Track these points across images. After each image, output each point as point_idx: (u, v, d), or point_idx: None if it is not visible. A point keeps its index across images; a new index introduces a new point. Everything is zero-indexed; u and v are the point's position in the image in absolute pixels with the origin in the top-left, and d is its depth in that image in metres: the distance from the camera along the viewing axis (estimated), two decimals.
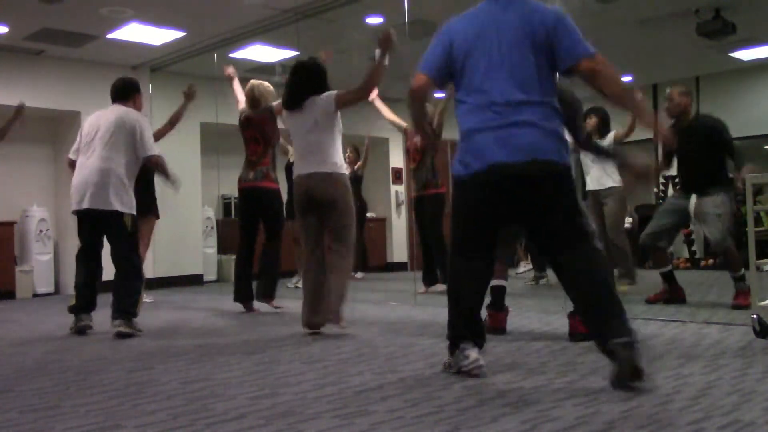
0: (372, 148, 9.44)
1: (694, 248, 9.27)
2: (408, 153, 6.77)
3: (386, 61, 4.13)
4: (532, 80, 2.74)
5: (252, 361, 3.40)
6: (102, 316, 4.56)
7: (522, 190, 2.74)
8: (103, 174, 4.41)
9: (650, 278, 7.63)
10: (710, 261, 8.88)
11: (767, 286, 4.49)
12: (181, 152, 8.72)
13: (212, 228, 9.52)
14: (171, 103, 8.72)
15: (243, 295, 5.56)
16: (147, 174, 5.85)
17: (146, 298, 6.76)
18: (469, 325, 2.91)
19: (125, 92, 4.77)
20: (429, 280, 6.73)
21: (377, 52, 4.11)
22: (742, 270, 4.81)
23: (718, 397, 2.47)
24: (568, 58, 2.73)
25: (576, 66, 2.72)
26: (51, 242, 8.08)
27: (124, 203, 4.47)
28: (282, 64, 8.34)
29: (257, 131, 5.39)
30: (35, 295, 7.83)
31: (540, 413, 2.30)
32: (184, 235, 8.68)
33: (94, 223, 4.51)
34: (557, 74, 2.86)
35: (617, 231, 6.15)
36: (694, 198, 4.99)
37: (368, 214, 9.91)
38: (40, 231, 7.96)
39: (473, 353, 2.84)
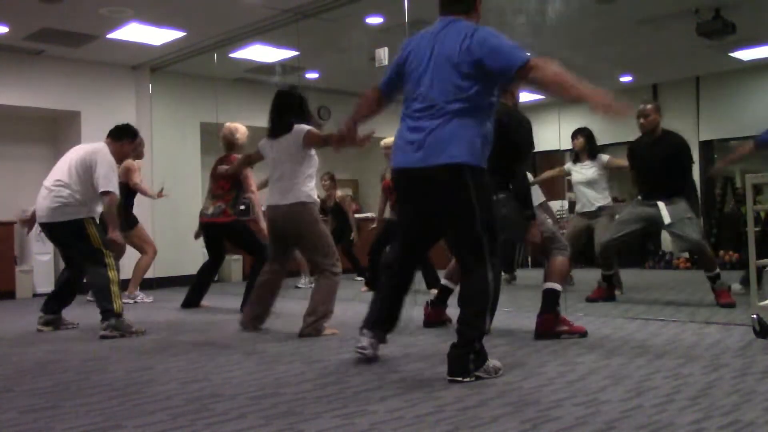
0: (372, 148, 9.43)
1: None
2: (385, 190, 6.95)
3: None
4: (453, 92, 2.89)
5: (252, 361, 3.40)
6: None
7: (417, 192, 3.03)
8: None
9: (650, 278, 7.64)
10: None
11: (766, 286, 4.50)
12: (181, 152, 8.74)
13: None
14: (171, 103, 8.77)
15: (187, 302, 6.06)
16: (128, 191, 6.25)
17: (146, 298, 6.80)
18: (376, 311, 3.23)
19: (118, 135, 4.89)
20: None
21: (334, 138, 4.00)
22: (717, 269, 5.17)
23: (718, 397, 2.47)
24: (505, 73, 2.86)
25: (514, 78, 2.89)
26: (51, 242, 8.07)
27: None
28: (282, 64, 8.36)
29: (234, 171, 5.60)
30: (35, 295, 7.83)
31: (540, 413, 2.30)
32: (184, 235, 8.64)
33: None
34: (494, 90, 3.00)
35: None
36: (662, 205, 5.24)
37: (368, 215, 9.92)
38: (40, 231, 7.93)
39: (364, 339, 3.19)
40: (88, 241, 4.52)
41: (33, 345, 4.18)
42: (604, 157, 6.38)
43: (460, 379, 2.80)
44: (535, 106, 10.98)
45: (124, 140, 4.88)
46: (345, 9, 6.46)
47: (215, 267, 6.12)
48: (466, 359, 2.82)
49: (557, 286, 3.93)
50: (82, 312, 5.46)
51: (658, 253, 9.41)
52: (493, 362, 2.92)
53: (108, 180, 4.53)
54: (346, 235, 8.45)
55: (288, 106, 4.41)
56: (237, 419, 2.33)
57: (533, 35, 6.57)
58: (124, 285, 7.06)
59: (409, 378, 2.92)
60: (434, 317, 4.43)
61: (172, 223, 8.00)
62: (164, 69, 8.49)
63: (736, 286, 5.77)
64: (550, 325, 3.88)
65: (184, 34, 7.27)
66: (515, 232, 3.84)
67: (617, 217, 5.83)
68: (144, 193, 6.63)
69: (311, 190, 4.31)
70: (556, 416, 2.26)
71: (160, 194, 6.86)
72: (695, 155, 8.85)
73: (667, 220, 5.20)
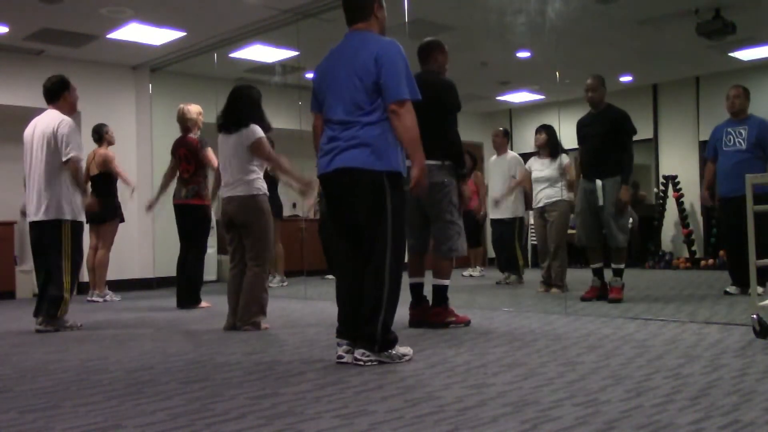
0: None
1: (694, 248, 9.27)
2: None
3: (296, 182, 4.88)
4: (359, 103, 3.19)
5: (252, 362, 3.40)
6: (103, 317, 4.56)
7: (335, 194, 3.30)
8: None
9: (650, 278, 7.64)
10: (710, 261, 8.88)
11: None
12: None
13: (212, 228, 9.51)
14: (171, 103, 8.75)
15: (181, 302, 6.13)
16: (109, 180, 6.26)
17: (114, 296, 6.95)
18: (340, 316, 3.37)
19: (53, 94, 4.92)
20: None
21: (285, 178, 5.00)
22: (624, 265, 5.43)
23: (718, 397, 2.47)
24: (385, 95, 3.16)
25: (387, 105, 3.15)
26: None
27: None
28: (282, 64, 8.36)
29: (188, 152, 5.87)
30: (35, 295, 7.81)
31: (540, 413, 2.30)
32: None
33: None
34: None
35: (560, 240, 6.50)
36: (599, 185, 5.41)
37: None
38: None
39: (339, 349, 3.29)
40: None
41: (33, 345, 4.18)
42: (566, 160, 6.57)
43: (363, 351, 3.15)
44: (535, 106, 11.03)
45: (63, 93, 4.91)
46: None
47: (190, 257, 6.09)
48: (372, 339, 3.15)
49: (445, 282, 4.41)
50: (90, 311, 5.45)
51: (658, 253, 9.42)
52: (401, 349, 3.25)
53: (67, 144, 4.67)
54: None
55: (241, 103, 4.59)
56: (237, 419, 2.33)
57: (533, 35, 6.58)
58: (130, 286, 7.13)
59: (408, 378, 2.92)
60: (418, 316, 4.51)
61: (172, 223, 7.98)
62: (164, 69, 8.50)
63: (731, 288, 5.79)
64: (442, 316, 4.39)
65: (184, 34, 7.28)
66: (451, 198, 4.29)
67: (574, 209, 5.98)
68: (125, 180, 6.85)
69: (261, 182, 4.55)
70: (556, 416, 2.26)
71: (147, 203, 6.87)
72: (695, 155, 8.88)
73: (600, 201, 5.40)
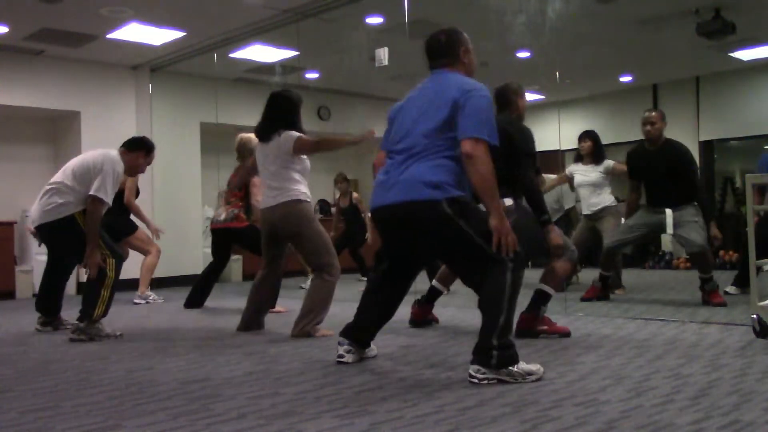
0: (371, 148, 9.42)
1: None
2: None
3: (351, 142, 4.45)
4: (428, 134, 2.96)
5: (252, 361, 3.40)
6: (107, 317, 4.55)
7: (391, 227, 3.11)
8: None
9: (650, 278, 7.64)
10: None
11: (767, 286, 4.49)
12: (181, 152, 8.73)
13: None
14: (171, 103, 8.77)
15: (189, 302, 6.05)
16: (118, 199, 6.13)
17: (158, 298, 6.76)
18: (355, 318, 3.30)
19: (134, 145, 4.70)
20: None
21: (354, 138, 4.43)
22: (712, 273, 5.22)
23: (718, 397, 2.47)
24: (459, 131, 2.90)
25: (460, 142, 2.89)
26: None
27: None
28: (282, 64, 8.35)
29: (242, 181, 5.64)
30: (35, 295, 7.82)
31: (540, 413, 2.30)
32: (184, 235, 8.68)
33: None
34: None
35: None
36: (669, 212, 5.28)
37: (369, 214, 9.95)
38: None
39: (340, 348, 3.27)
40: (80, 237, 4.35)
41: (33, 345, 4.18)
42: (609, 163, 6.35)
43: (478, 368, 2.78)
44: (535, 106, 11.01)
45: (139, 152, 4.69)
46: (345, 9, 6.46)
47: (219, 270, 6.16)
48: (488, 355, 2.79)
49: (551, 291, 3.95)
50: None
51: (658, 253, 9.41)
52: (523, 366, 2.84)
53: (103, 187, 4.30)
54: (358, 237, 8.46)
55: (282, 110, 4.38)
56: (237, 419, 2.33)
57: (533, 35, 6.58)
58: (130, 285, 7.11)
59: (409, 378, 2.92)
60: (420, 316, 4.49)
61: (172, 223, 7.99)
62: (164, 69, 8.49)
63: (730, 288, 5.79)
64: (530, 324, 3.94)
65: (184, 34, 7.27)
66: (531, 239, 3.72)
67: (624, 221, 5.84)
68: (136, 213, 6.56)
69: (304, 188, 4.30)
70: (556, 416, 2.26)
71: (156, 232, 6.72)
72: (695, 155, 8.87)
73: (670, 229, 5.28)
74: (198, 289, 6.13)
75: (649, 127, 5.35)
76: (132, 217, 6.58)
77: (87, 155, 4.57)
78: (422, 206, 2.90)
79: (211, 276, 6.14)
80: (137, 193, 6.58)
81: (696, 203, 5.32)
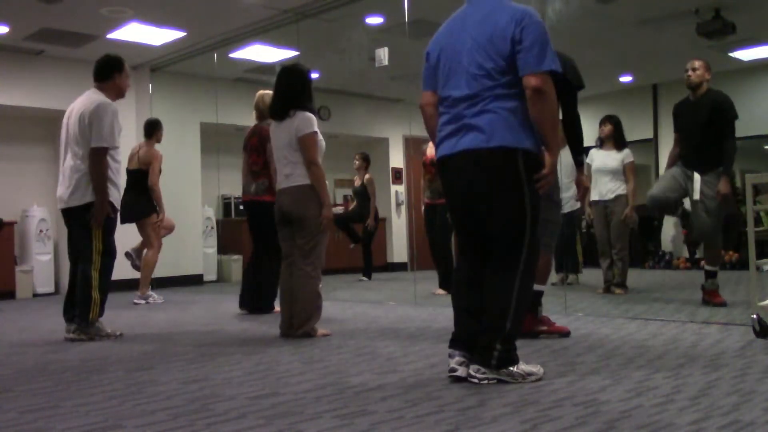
0: (371, 148, 9.45)
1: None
2: (425, 165, 6.76)
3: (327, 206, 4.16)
4: (490, 73, 2.76)
5: (252, 361, 3.40)
6: (104, 317, 4.55)
7: (459, 182, 2.86)
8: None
9: (650, 278, 7.63)
10: None
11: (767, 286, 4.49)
12: (181, 152, 8.74)
13: (212, 228, 9.53)
14: (171, 103, 8.77)
15: (243, 302, 5.59)
16: (141, 179, 5.98)
17: (158, 298, 6.69)
18: (456, 326, 2.92)
19: (102, 72, 4.51)
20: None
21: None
22: (718, 267, 4.99)
23: (718, 397, 2.47)
24: (522, 65, 2.72)
25: (525, 76, 2.71)
26: (51, 242, 8.08)
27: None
28: (282, 64, 8.36)
29: (260, 143, 5.30)
30: (35, 295, 7.83)
31: (540, 413, 2.30)
32: (184, 235, 8.68)
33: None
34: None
35: (624, 237, 6.24)
36: (697, 178, 4.95)
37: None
38: (40, 231, 7.97)
39: (452, 361, 2.84)
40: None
41: (33, 345, 4.18)
42: (629, 156, 6.23)
43: (478, 368, 2.72)
44: None
45: (113, 75, 4.49)
46: (345, 9, 6.47)
47: (266, 260, 5.36)
48: (489, 355, 2.72)
49: (539, 287, 3.77)
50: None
51: (658, 253, 9.41)
52: (523, 367, 2.78)
53: (98, 134, 4.14)
54: (364, 218, 8.48)
55: (290, 85, 4.19)
56: (237, 419, 2.32)
57: None
58: (130, 285, 7.11)
59: (409, 378, 2.92)
60: (527, 327, 3.79)
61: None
62: (164, 69, 8.50)
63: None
64: (529, 325, 3.78)
65: (184, 34, 7.28)
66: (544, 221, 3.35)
67: (664, 171, 5.47)
68: (157, 198, 6.43)
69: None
70: (556, 416, 2.26)
71: (161, 219, 6.55)
72: None
73: (696, 195, 4.94)
74: (253, 290, 5.54)
75: (690, 73, 5.07)
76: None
77: (70, 122, 4.36)
78: (499, 154, 2.73)
79: (254, 268, 5.48)
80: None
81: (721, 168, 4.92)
